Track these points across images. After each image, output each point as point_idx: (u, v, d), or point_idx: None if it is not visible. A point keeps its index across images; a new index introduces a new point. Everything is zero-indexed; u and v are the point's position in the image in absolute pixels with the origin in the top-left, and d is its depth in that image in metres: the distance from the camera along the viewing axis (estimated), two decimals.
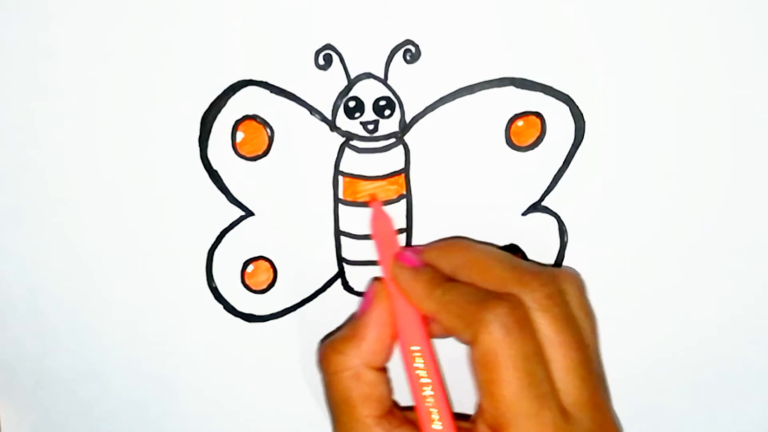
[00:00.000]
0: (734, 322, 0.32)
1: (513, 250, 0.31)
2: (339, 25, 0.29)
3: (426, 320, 0.28)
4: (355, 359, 0.27)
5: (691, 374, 0.33)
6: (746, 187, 0.31)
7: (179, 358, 0.33)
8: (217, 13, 0.29)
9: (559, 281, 0.26)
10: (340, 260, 0.32)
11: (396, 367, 0.28)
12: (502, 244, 0.31)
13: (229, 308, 0.32)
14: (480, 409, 0.25)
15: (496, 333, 0.24)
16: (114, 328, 0.33)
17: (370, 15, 0.29)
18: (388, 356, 0.28)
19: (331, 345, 0.28)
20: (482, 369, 0.24)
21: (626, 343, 0.32)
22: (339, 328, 0.30)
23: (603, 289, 0.32)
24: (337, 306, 0.32)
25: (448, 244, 0.29)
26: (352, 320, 0.29)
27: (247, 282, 0.32)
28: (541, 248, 0.31)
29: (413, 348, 0.27)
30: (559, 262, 0.32)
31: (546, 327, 0.25)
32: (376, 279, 0.29)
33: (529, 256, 0.32)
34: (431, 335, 0.28)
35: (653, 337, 0.32)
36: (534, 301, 0.25)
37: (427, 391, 0.27)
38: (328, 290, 0.32)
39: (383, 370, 0.28)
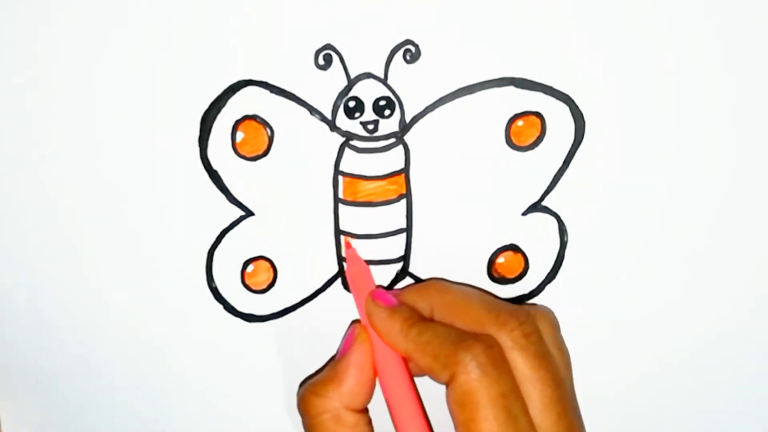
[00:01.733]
0: (735, 322, 0.32)
1: (513, 249, 0.32)
2: (339, 25, 0.29)
3: (404, 359, 0.28)
4: (335, 401, 0.27)
5: (691, 375, 0.33)
6: (747, 187, 0.31)
7: (179, 358, 0.33)
8: (217, 13, 0.29)
9: (535, 319, 0.27)
10: (340, 260, 0.32)
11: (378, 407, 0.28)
12: (502, 244, 0.31)
13: (229, 308, 0.32)
14: None
15: (473, 373, 0.25)
16: (114, 327, 0.33)
17: (370, 15, 0.29)
18: (368, 398, 0.28)
19: (310, 388, 0.28)
20: (460, 408, 0.25)
21: (626, 343, 0.32)
22: (319, 371, 0.30)
23: (603, 290, 0.32)
24: (337, 306, 0.32)
25: (425, 286, 0.29)
26: (332, 362, 0.29)
27: (247, 282, 0.32)
28: (541, 248, 0.31)
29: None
30: (559, 262, 0.32)
31: (523, 365, 0.26)
32: (356, 322, 0.30)
33: (529, 256, 0.32)
34: (409, 374, 0.28)
35: (653, 337, 0.32)
36: (511, 340, 0.26)
37: None
38: (328, 290, 0.32)
39: (364, 411, 0.28)
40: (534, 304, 0.30)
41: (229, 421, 0.34)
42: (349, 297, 0.32)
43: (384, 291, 0.29)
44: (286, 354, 0.33)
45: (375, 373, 0.28)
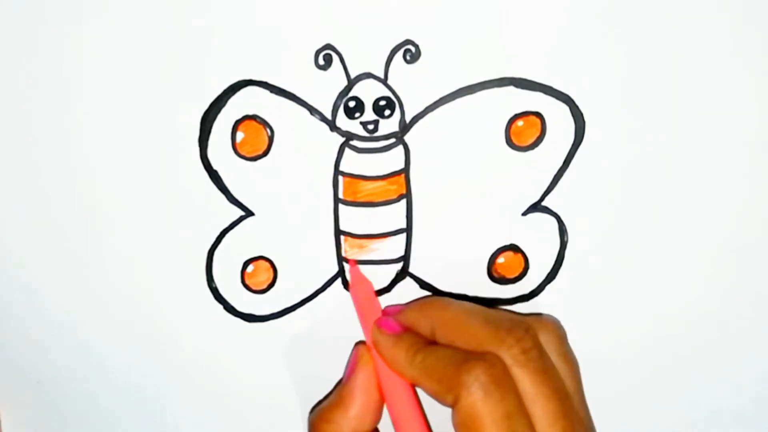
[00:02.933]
0: (737, 321, 0.32)
1: (513, 249, 0.32)
2: (339, 25, 0.29)
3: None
4: (343, 427, 0.28)
5: (693, 375, 0.33)
6: (748, 186, 0.31)
7: (179, 358, 0.33)
8: (218, 13, 0.29)
9: (535, 333, 0.27)
10: (340, 260, 0.32)
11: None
12: (502, 244, 0.31)
13: (229, 308, 0.32)
14: None
15: (476, 395, 0.24)
16: (114, 327, 0.33)
17: (370, 15, 0.29)
18: (376, 420, 0.28)
19: (319, 414, 0.28)
20: (465, 430, 0.25)
21: (626, 344, 0.32)
22: (327, 396, 0.30)
23: (603, 289, 0.32)
24: (337, 306, 0.32)
25: (426, 304, 0.29)
26: (339, 386, 0.29)
27: (247, 282, 0.32)
28: (541, 248, 0.31)
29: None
30: (559, 262, 0.32)
31: (524, 382, 0.25)
32: (359, 343, 0.30)
33: (529, 256, 0.32)
34: (416, 396, 0.28)
35: (654, 337, 0.32)
36: (510, 357, 0.26)
37: None
38: (328, 290, 0.32)
39: None
40: (539, 315, 0.30)
41: (229, 421, 0.34)
42: (349, 297, 0.32)
43: (388, 318, 0.29)
44: (286, 354, 0.33)
45: (381, 395, 0.28)
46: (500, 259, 0.32)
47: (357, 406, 0.28)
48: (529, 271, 0.32)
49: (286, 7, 0.29)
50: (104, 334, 0.33)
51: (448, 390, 0.25)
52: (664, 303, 0.32)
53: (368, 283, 0.31)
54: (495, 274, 0.32)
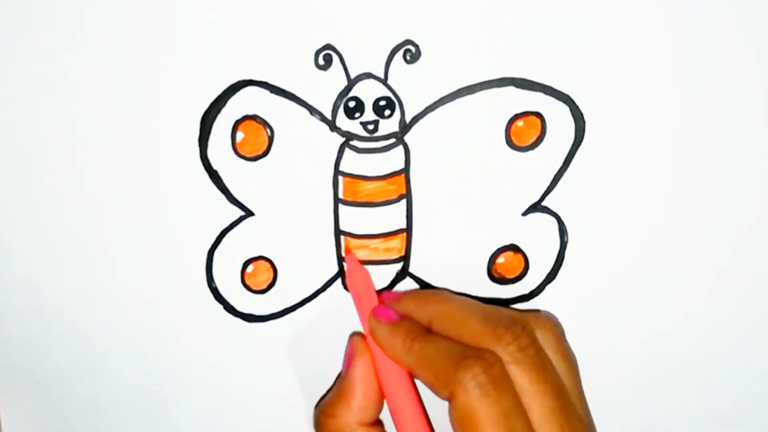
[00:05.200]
0: (737, 321, 0.32)
1: (513, 249, 0.32)
2: (339, 25, 0.29)
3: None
4: (346, 419, 0.28)
5: (693, 375, 0.33)
6: (748, 187, 0.31)
7: (179, 358, 0.33)
8: (218, 13, 0.29)
9: (532, 330, 0.27)
10: (340, 260, 0.32)
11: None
12: (502, 244, 0.31)
13: (229, 308, 0.32)
14: None
15: (473, 393, 0.24)
16: (114, 327, 0.33)
17: (370, 15, 0.29)
18: (379, 409, 0.28)
19: (322, 410, 0.28)
20: (461, 428, 0.25)
21: (626, 344, 0.32)
22: (329, 391, 0.30)
23: (603, 290, 0.32)
24: (337, 306, 0.32)
25: (425, 296, 0.29)
26: (339, 379, 0.29)
27: (247, 282, 0.32)
28: (541, 248, 0.31)
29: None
30: (559, 262, 0.32)
31: (521, 378, 0.25)
32: (355, 334, 0.30)
33: (529, 256, 0.32)
34: (413, 385, 0.28)
35: (654, 338, 0.32)
36: (508, 354, 0.26)
37: None
38: (328, 290, 0.32)
39: (378, 423, 0.28)
40: (536, 311, 0.30)
41: (228, 421, 0.34)
42: (349, 297, 0.32)
43: (385, 307, 0.29)
44: (286, 354, 0.33)
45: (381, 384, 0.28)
46: (500, 259, 0.32)
47: (359, 398, 0.28)
48: (529, 271, 0.32)
49: (286, 7, 0.29)
50: (104, 334, 0.33)
51: (445, 385, 0.25)
52: (663, 302, 0.32)
53: (365, 272, 0.30)
54: (495, 274, 0.32)
